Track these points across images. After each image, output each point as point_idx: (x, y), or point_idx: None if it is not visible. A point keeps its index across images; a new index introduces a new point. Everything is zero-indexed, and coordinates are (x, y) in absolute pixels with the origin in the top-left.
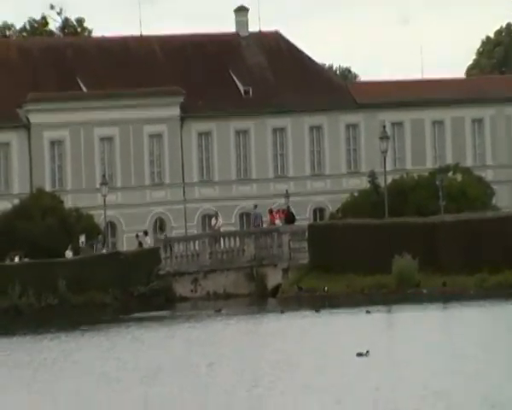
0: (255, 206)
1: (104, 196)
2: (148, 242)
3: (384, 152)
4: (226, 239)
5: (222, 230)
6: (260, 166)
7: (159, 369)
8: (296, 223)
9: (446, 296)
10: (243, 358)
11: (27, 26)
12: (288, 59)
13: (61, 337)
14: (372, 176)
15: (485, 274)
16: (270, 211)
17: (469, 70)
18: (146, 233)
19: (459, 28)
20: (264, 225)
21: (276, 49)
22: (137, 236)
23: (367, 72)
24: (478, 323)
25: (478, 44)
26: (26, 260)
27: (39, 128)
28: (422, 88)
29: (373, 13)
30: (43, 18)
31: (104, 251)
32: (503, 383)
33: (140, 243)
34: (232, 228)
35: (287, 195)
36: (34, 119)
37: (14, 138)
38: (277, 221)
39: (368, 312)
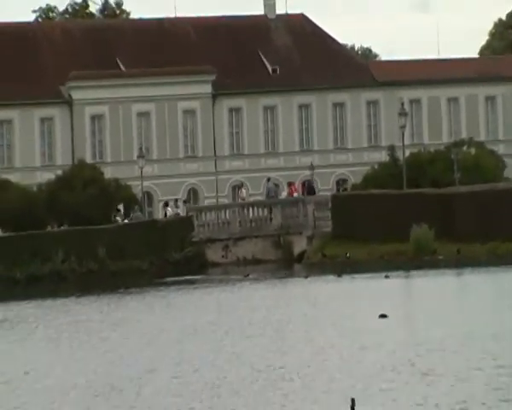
0: (268, 179)
1: (141, 167)
2: (170, 211)
3: (402, 127)
4: (255, 208)
5: (251, 199)
6: (287, 140)
7: (193, 330)
8: (320, 193)
9: (460, 263)
10: (271, 320)
11: (69, 9)
12: (312, 40)
13: (104, 300)
14: (391, 150)
15: (497, 242)
16: (289, 184)
17: (482, 50)
18: (166, 204)
19: (473, 11)
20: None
21: (302, 30)
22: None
23: (387, 52)
24: (487, 287)
25: (490, 26)
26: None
27: (81, 104)
28: (438, 67)
29: None
30: (85, 1)
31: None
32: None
33: (165, 214)
34: (260, 198)
35: (311, 167)
36: (76, 95)
37: (57, 114)
38: (295, 194)
39: (387, 276)
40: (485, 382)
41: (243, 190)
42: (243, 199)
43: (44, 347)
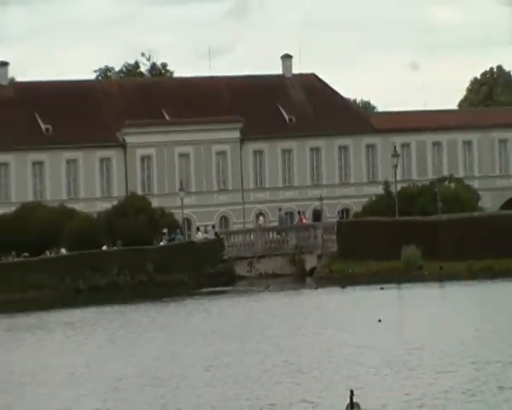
0: (279, 209)
1: (182, 198)
2: (200, 235)
3: (395, 166)
4: (274, 232)
5: (271, 224)
6: (300, 177)
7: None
8: (327, 220)
9: (442, 278)
10: (287, 323)
11: (124, 69)
12: (322, 95)
13: (151, 307)
14: (386, 185)
15: (472, 261)
16: (299, 213)
17: (461, 103)
18: (198, 229)
19: (453, 71)
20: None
21: (313, 87)
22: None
23: (383, 104)
24: (464, 297)
25: (468, 83)
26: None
27: (133, 147)
28: (425, 117)
29: (388, 58)
30: (136, 63)
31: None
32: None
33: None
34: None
35: (320, 198)
36: (129, 140)
37: (113, 155)
38: (304, 221)
39: (382, 288)
40: (464, 374)
41: (261, 218)
42: (260, 225)
43: (102, 345)
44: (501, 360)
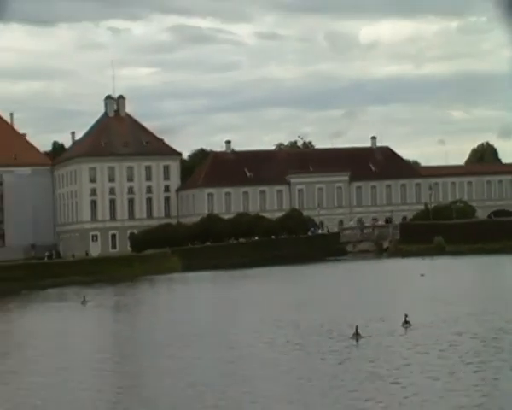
0: (360, 218)
1: (318, 211)
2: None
3: (430, 194)
4: (367, 228)
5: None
6: (379, 200)
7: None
8: (394, 223)
9: (456, 253)
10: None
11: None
12: (393, 159)
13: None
14: (425, 204)
15: (471, 245)
16: (372, 219)
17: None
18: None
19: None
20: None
21: (389, 154)
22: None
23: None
24: (469, 262)
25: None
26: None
27: (295, 185)
28: (446, 169)
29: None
30: (295, 141)
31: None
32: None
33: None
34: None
35: (391, 211)
36: (293, 181)
37: (284, 189)
38: (379, 222)
39: (423, 258)
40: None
41: (355, 221)
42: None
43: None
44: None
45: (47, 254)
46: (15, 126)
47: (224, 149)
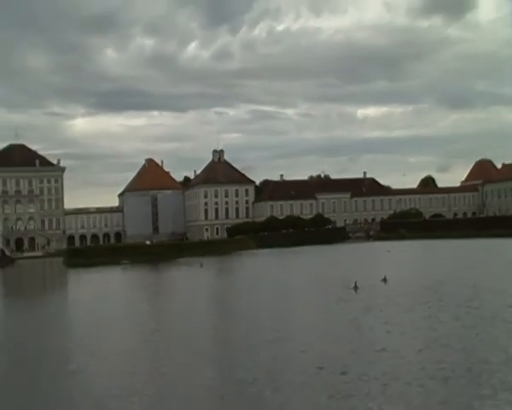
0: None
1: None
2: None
3: None
4: (360, 224)
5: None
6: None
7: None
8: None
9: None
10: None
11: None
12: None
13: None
14: None
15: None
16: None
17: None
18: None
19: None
20: None
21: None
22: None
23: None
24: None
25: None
26: None
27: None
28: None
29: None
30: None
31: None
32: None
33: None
34: None
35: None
36: None
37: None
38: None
39: (392, 241)
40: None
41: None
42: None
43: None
44: None
45: (180, 238)
46: (164, 168)
47: (279, 179)
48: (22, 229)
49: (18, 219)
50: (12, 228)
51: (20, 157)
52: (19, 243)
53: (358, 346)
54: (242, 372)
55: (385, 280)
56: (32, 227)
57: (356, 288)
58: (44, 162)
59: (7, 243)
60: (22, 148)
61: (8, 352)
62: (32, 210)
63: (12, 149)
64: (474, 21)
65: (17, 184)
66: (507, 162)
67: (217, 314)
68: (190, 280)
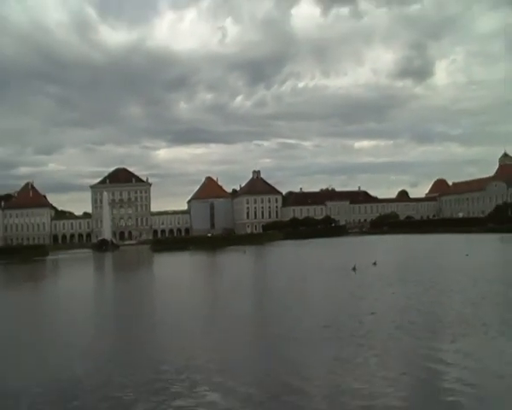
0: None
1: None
2: None
3: None
4: (356, 224)
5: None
6: None
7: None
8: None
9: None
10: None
11: None
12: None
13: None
14: None
15: None
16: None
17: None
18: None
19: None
20: None
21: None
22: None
23: (381, 196)
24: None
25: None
26: None
27: None
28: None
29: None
30: None
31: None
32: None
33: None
34: None
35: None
36: None
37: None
38: None
39: (377, 235)
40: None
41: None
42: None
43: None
44: None
45: (229, 232)
46: (219, 183)
47: (299, 191)
48: (123, 225)
49: (121, 218)
50: (117, 225)
51: (123, 177)
52: (121, 235)
53: (355, 309)
54: (277, 329)
55: (375, 264)
56: (129, 224)
57: (355, 269)
58: (138, 180)
59: (114, 234)
60: (124, 170)
61: (116, 307)
62: (130, 212)
63: (118, 171)
64: (433, 84)
65: (121, 194)
66: (456, 181)
67: (261, 281)
68: (239, 262)
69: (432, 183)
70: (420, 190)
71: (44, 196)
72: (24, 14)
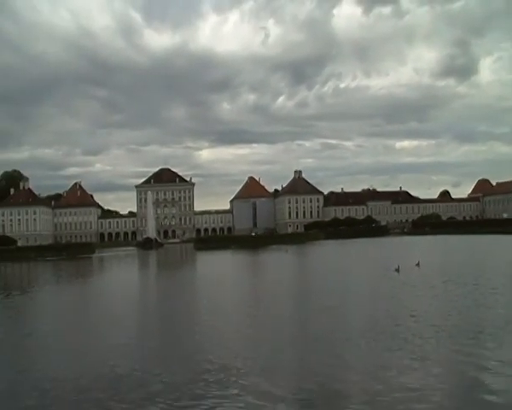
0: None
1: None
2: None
3: None
4: (397, 224)
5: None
6: None
7: None
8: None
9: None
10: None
11: None
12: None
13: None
14: None
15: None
16: None
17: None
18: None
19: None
20: None
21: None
22: None
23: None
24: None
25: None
26: None
27: None
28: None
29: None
30: None
31: None
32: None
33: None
34: None
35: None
36: None
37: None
38: None
39: (420, 236)
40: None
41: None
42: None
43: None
44: None
45: (271, 231)
46: (261, 183)
47: (340, 191)
48: (167, 224)
49: (165, 217)
50: (161, 223)
51: (166, 177)
52: (165, 234)
53: (395, 310)
54: (317, 330)
55: (418, 265)
56: (173, 223)
57: (398, 270)
58: (181, 180)
59: (158, 233)
60: (168, 171)
61: (160, 302)
62: (173, 211)
63: (162, 171)
64: (477, 82)
65: (165, 194)
66: (500, 181)
67: (303, 281)
68: (281, 260)
69: (474, 183)
70: (462, 191)
71: (91, 196)
72: (71, 20)
